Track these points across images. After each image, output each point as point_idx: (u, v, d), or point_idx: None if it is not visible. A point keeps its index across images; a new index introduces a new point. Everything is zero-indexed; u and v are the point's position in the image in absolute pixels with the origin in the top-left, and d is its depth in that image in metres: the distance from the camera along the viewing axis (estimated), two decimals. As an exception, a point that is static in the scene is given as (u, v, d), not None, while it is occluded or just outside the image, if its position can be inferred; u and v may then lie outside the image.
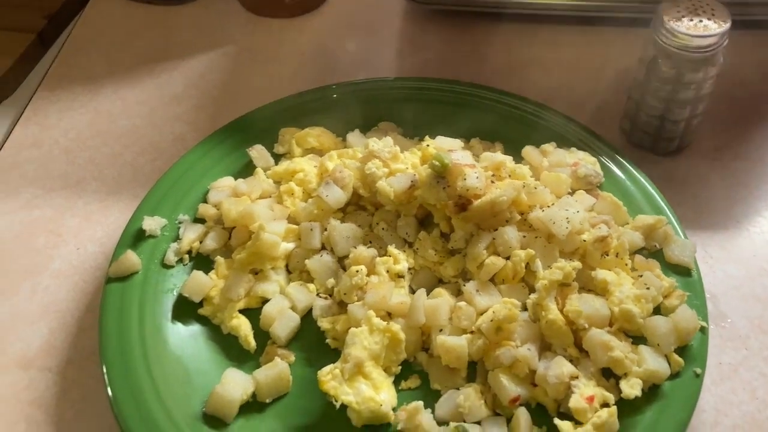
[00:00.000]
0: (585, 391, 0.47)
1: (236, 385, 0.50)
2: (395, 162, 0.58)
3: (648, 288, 0.50)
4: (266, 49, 0.79)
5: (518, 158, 0.61)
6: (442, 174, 0.55)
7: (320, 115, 0.65)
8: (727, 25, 0.58)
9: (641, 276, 0.52)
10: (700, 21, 0.58)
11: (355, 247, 0.55)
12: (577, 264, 0.51)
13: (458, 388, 0.50)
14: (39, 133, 0.72)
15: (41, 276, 0.60)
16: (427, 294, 0.53)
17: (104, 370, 0.50)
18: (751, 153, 0.66)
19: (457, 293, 0.54)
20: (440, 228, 0.56)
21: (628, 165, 0.60)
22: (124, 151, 0.70)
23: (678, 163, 0.66)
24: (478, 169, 0.54)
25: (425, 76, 0.70)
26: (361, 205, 0.60)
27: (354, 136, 0.63)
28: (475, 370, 0.51)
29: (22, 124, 0.72)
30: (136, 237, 0.57)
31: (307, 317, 0.55)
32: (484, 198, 0.53)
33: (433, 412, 0.49)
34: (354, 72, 0.76)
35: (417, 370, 0.52)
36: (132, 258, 0.55)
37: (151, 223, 0.57)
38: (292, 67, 0.77)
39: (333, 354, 0.52)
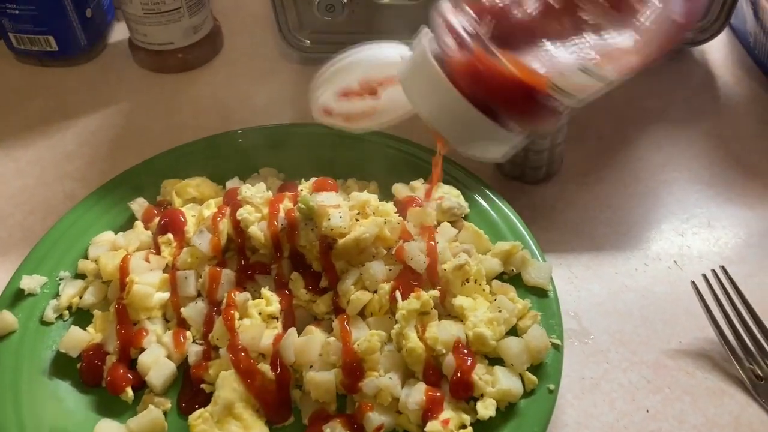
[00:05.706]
0: (442, 415, 0.49)
1: (109, 435, 0.51)
2: (267, 207, 0.60)
3: (500, 311, 0.53)
4: (160, 104, 0.81)
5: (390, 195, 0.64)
6: (309, 216, 0.57)
7: (203, 165, 0.68)
8: (574, 60, 0.62)
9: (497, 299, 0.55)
10: (550, 57, 0.62)
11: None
12: (434, 293, 0.54)
13: (329, 422, 0.51)
14: (-73, 198, 0.72)
15: (-76, 342, 0.60)
16: (300, 332, 0.55)
17: (-27, 432, 0.50)
18: (612, 175, 0.70)
19: (331, 329, 0.56)
20: (313, 267, 0.59)
21: (492, 196, 0.63)
22: (15, 210, 0.71)
23: (547, 190, 0.69)
24: (342, 208, 0.57)
25: (309, 122, 0.73)
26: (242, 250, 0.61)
27: (233, 184, 0.65)
28: (345, 403, 0.53)
29: None
30: (14, 297, 0.58)
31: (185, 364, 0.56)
32: (348, 236, 0.56)
33: (304, 447, 0.50)
34: (249, 120, 0.78)
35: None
36: (7, 318, 0.56)
37: (30, 282, 0.58)
38: (185, 119, 0.79)
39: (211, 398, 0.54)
